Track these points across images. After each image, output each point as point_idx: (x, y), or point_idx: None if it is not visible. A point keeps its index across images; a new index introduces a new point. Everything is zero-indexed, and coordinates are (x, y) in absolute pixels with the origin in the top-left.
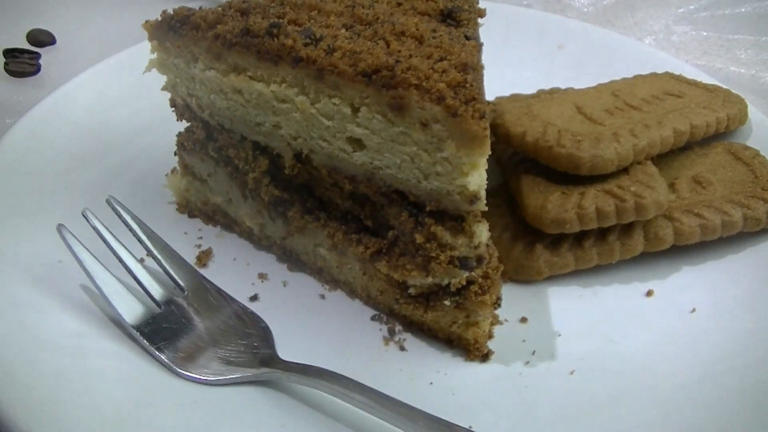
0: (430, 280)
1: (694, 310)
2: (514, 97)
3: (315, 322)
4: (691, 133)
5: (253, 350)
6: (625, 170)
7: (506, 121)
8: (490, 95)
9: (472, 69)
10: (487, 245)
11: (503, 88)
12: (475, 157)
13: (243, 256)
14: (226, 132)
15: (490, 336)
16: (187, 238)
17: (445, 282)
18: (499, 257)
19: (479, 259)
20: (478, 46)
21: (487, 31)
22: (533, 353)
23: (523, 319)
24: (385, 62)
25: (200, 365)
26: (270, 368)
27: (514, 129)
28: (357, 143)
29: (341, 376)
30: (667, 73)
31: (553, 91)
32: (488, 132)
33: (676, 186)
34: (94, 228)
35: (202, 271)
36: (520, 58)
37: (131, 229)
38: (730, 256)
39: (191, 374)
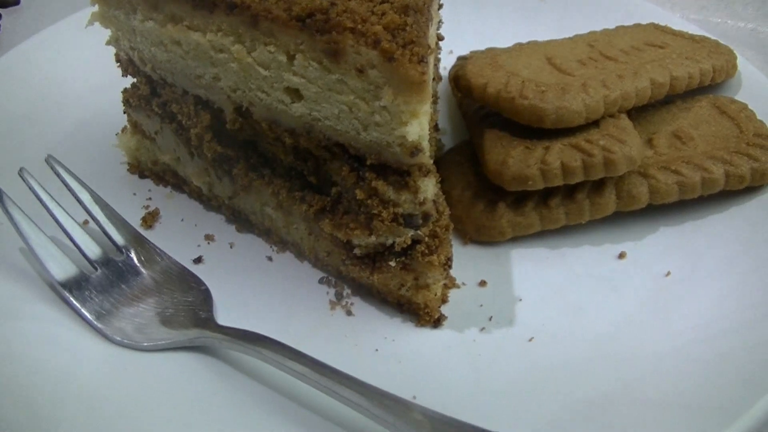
0: (373, 239)
1: (668, 273)
2: (488, 51)
3: (260, 285)
4: (671, 84)
5: (189, 314)
6: (595, 123)
7: (468, 72)
8: (466, 50)
9: (414, 11)
10: (435, 202)
11: (482, 44)
12: (414, 104)
13: (191, 217)
14: (168, 86)
15: (444, 300)
16: (135, 198)
17: (390, 241)
18: (459, 216)
19: (425, 217)
20: None
21: None
22: (490, 319)
23: (482, 283)
24: (319, 5)
25: (133, 330)
26: (204, 333)
27: (475, 80)
28: (295, 93)
29: (278, 343)
30: (651, 24)
31: (529, 44)
32: (427, 77)
33: (654, 141)
34: (30, 188)
35: (147, 232)
36: (500, 14)
37: (69, 189)
38: (712, 216)
39: (122, 339)
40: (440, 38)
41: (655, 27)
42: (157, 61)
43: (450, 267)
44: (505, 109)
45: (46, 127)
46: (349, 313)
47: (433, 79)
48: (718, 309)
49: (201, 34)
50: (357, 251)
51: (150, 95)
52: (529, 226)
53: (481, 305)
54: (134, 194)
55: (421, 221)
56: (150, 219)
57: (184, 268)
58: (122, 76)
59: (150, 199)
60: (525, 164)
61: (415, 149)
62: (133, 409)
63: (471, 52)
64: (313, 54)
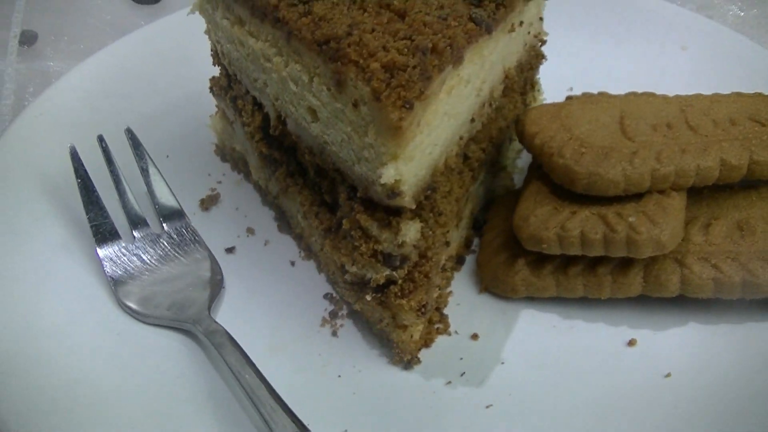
0: (355, 269)
1: (669, 375)
2: (567, 100)
3: (271, 286)
4: (750, 169)
5: (190, 299)
6: (638, 196)
7: (527, 119)
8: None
9: (424, 53)
10: (417, 246)
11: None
12: (391, 147)
13: (246, 207)
14: (237, 82)
15: (427, 344)
16: (208, 179)
17: (368, 275)
18: (481, 262)
19: (403, 259)
20: (478, 31)
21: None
22: (462, 374)
23: (474, 336)
24: (335, 32)
25: (138, 300)
26: (188, 320)
27: (529, 128)
28: (313, 114)
29: (237, 352)
30: None
31: (616, 97)
32: (407, 123)
33: (712, 228)
34: (103, 150)
35: (202, 213)
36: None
37: (136, 159)
38: (751, 324)
39: (127, 303)
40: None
41: None
42: (231, 57)
43: (424, 314)
44: (545, 164)
45: (154, 105)
46: (334, 333)
47: None
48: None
49: (255, 41)
50: (347, 276)
51: (227, 86)
52: (544, 289)
53: (461, 358)
54: (209, 174)
55: (398, 263)
56: (209, 201)
57: (212, 255)
58: (212, 64)
59: (220, 182)
60: (544, 226)
61: (391, 191)
62: (111, 372)
63: (568, 96)
64: (325, 79)
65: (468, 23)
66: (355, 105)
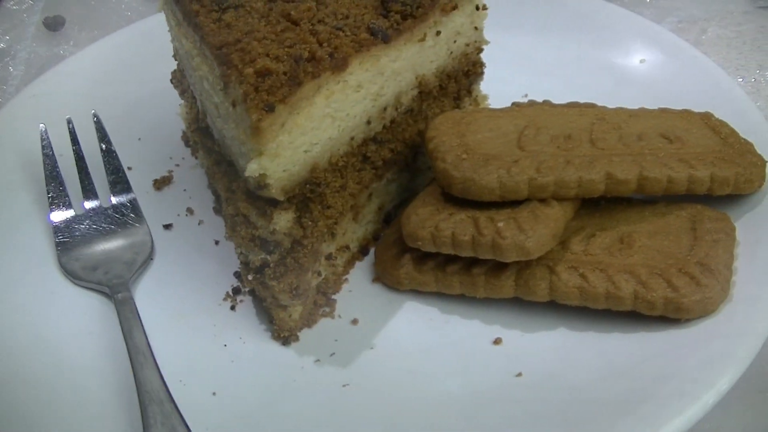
0: (239, 251)
1: (520, 374)
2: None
3: (192, 262)
4: (639, 184)
5: (117, 267)
6: (519, 203)
7: (430, 124)
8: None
9: (301, 60)
10: (288, 234)
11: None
12: (255, 145)
13: (192, 189)
14: (184, 76)
15: (309, 324)
16: (168, 162)
17: (248, 258)
18: (377, 253)
19: (276, 245)
20: (372, 41)
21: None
22: (331, 355)
23: (355, 321)
24: (228, 39)
25: (81, 266)
26: (107, 285)
27: (428, 133)
28: (217, 109)
29: (134, 317)
30: (705, 114)
31: (532, 107)
32: (266, 124)
33: (594, 239)
34: (70, 132)
35: (154, 192)
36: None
37: (99, 141)
38: (618, 333)
39: (65, 265)
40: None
41: (702, 119)
42: (178, 54)
43: (297, 296)
44: (432, 168)
45: (141, 93)
46: (232, 308)
47: None
48: None
49: (186, 41)
50: (240, 258)
51: (182, 77)
52: (425, 284)
53: (336, 340)
54: (170, 158)
55: (272, 248)
56: (162, 182)
57: (148, 230)
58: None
59: (178, 165)
60: (422, 224)
61: (258, 184)
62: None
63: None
64: (219, 80)
65: (363, 33)
66: (234, 105)
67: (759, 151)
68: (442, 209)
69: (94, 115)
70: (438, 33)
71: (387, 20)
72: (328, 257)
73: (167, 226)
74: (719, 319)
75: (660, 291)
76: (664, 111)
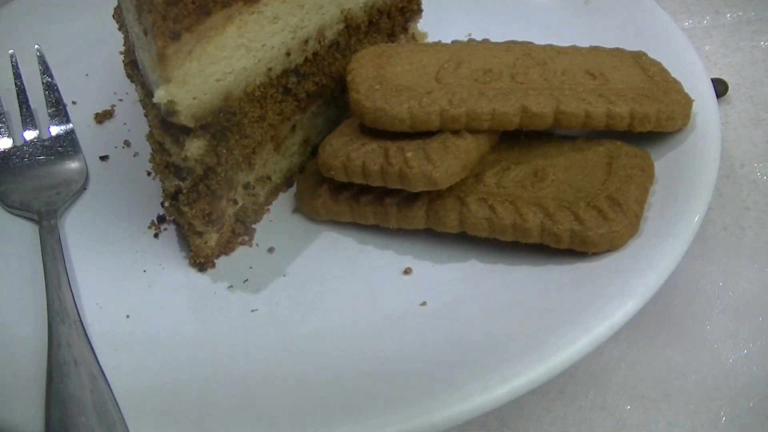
0: (158, 178)
1: (424, 303)
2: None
3: (124, 193)
4: (557, 118)
5: (49, 195)
6: (431, 134)
7: (354, 58)
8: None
9: None
10: (201, 162)
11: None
12: (161, 72)
13: (131, 123)
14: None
15: (226, 252)
16: (112, 97)
17: (164, 184)
18: (298, 186)
19: (189, 172)
20: None
21: None
22: (245, 281)
23: (271, 249)
24: None
25: (12, 191)
26: (36, 213)
27: (350, 65)
28: (138, 39)
29: (55, 245)
30: (637, 53)
31: (456, 44)
32: (171, 51)
33: (509, 172)
34: (13, 66)
35: (94, 126)
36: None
37: (41, 74)
38: (524, 267)
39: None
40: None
41: (633, 57)
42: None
43: (208, 222)
44: (349, 99)
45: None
46: (156, 236)
47: None
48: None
49: None
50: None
51: (120, 12)
52: (340, 214)
53: (251, 267)
54: (114, 93)
55: (185, 174)
56: (103, 116)
57: (84, 160)
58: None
59: (121, 100)
60: (335, 154)
61: (167, 111)
62: None
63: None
64: (134, 8)
65: None
66: (145, 33)
67: (688, 92)
68: (356, 140)
69: (38, 50)
70: None
71: None
72: (246, 186)
73: (103, 158)
74: (625, 254)
75: (566, 224)
76: (594, 48)
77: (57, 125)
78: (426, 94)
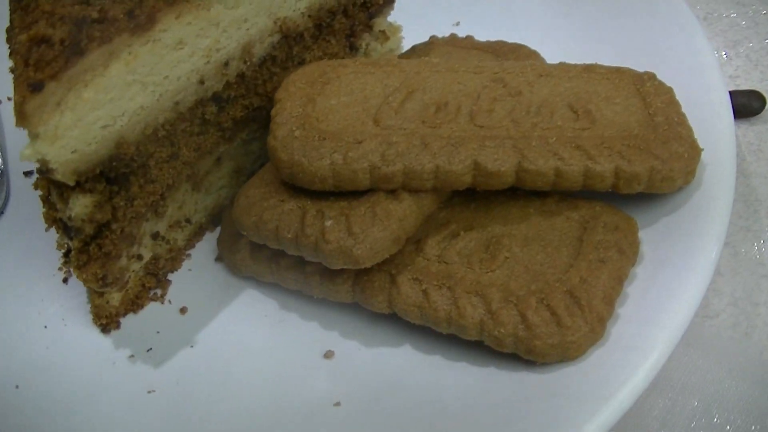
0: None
1: (338, 404)
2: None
3: (41, 224)
4: (519, 177)
5: None
6: (363, 194)
7: (288, 79)
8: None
9: (85, 23)
10: (90, 221)
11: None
12: (27, 128)
13: None
14: None
15: (135, 309)
16: None
17: (60, 240)
18: (221, 233)
19: (77, 231)
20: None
21: None
22: (148, 350)
23: (183, 309)
24: None
25: None
26: None
27: (277, 93)
28: None
29: None
30: (641, 76)
31: (423, 62)
32: (32, 108)
33: (456, 241)
34: None
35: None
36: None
37: None
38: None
39: None
40: None
41: (636, 80)
42: None
43: (107, 285)
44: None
45: None
46: (65, 280)
47: None
48: None
49: None
50: None
51: None
52: (261, 274)
53: (158, 332)
54: None
55: (73, 233)
56: None
57: (6, 182)
58: None
59: None
60: (247, 211)
61: (43, 168)
62: None
63: (431, 37)
64: None
65: None
66: (11, 71)
67: (700, 127)
68: (274, 193)
69: None
70: None
71: None
72: (155, 236)
73: (27, 174)
74: (581, 368)
75: (510, 326)
76: (589, 69)
77: None
78: (355, 144)
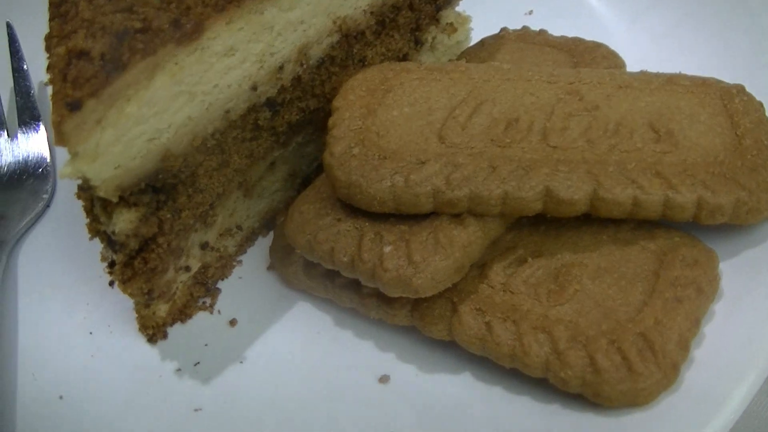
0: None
1: None
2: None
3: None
4: (593, 205)
5: (9, 216)
6: (426, 217)
7: (348, 84)
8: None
9: (128, 36)
10: (135, 236)
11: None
12: (67, 147)
13: None
14: None
15: (182, 319)
16: None
17: (102, 249)
18: (274, 242)
19: (121, 246)
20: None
21: None
22: (196, 365)
23: (233, 322)
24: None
25: None
26: None
27: (335, 101)
28: None
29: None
30: (729, 90)
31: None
32: (70, 127)
33: (523, 268)
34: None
35: None
36: None
37: (11, 56)
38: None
39: None
40: None
41: (723, 95)
42: None
43: (152, 298)
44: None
45: None
46: (111, 284)
47: None
48: None
49: None
50: None
51: None
52: (315, 289)
53: (206, 345)
54: None
55: (117, 247)
56: None
57: (53, 173)
58: None
59: None
60: (301, 228)
61: (81, 186)
62: None
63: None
64: None
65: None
66: (50, 83)
67: None
68: (330, 210)
69: (8, 25)
70: None
71: None
72: (204, 246)
73: None
74: (651, 414)
75: (577, 369)
76: (672, 81)
77: (29, 125)
78: (418, 164)
